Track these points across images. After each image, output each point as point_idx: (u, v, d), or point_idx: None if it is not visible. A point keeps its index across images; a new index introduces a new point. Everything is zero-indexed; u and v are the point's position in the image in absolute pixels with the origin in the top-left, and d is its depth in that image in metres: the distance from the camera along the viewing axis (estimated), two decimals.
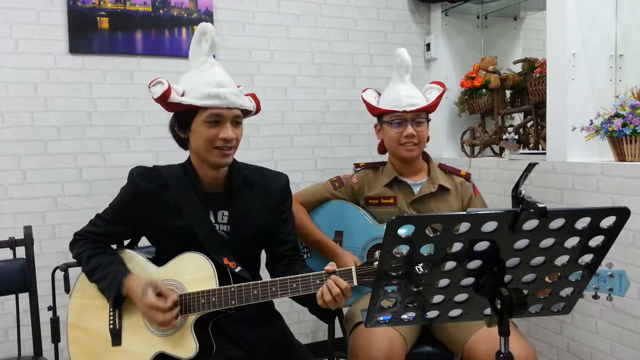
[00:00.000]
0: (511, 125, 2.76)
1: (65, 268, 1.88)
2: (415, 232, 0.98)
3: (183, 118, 1.54)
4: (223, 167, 1.59)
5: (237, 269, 1.54)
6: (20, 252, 1.90)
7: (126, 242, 1.72)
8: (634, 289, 1.97)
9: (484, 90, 2.88)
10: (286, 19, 2.91)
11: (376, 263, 1.42)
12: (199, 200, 1.58)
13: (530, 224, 1.00)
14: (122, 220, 1.62)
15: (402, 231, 0.97)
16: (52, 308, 1.91)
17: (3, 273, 1.86)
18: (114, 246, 1.67)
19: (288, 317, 1.89)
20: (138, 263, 1.61)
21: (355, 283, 1.45)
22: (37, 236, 2.24)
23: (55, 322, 1.90)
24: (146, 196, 1.58)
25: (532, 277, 1.10)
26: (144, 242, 1.71)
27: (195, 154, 1.58)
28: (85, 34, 2.53)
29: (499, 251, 1.04)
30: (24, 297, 1.89)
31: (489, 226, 1.00)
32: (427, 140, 2.01)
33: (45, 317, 1.92)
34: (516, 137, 2.65)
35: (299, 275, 1.47)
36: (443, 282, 1.08)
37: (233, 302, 1.47)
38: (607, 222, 1.04)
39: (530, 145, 2.69)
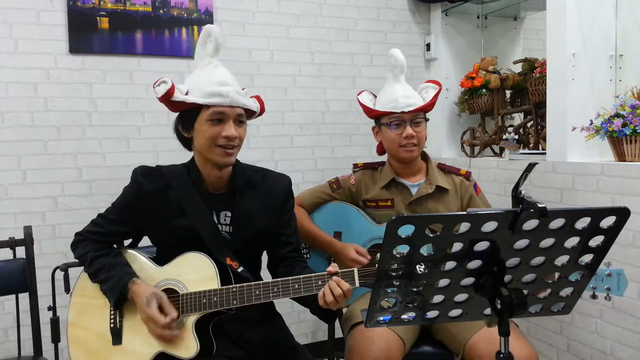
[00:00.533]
0: (511, 125, 2.76)
1: (65, 268, 1.88)
2: (415, 232, 0.98)
3: (187, 117, 1.54)
4: (226, 167, 1.59)
5: (240, 269, 1.54)
6: (20, 252, 1.90)
7: (127, 242, 1.72)
8: (634, 289, 1.97)
9: (484, 90, 2.88)
10: (286, 19, 2.91)
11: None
12: (202, 200, 1.58)
13: (530, 224, 1.00)
14: (124, 220, 1.62)
15: (402, 231, 0.97)
16: (52, 308, 1.91)
17: (3, 273, 1.86)
18: (115, 246, 1.67)
19: (288, 317, 1.89)
20: (140, 263, 1.61)
21: (357, 284, 1.45)
22: (37, 236, 2.24)
23: (55, 322, 1.90)
24: (149, 196, 1.58)
25: (532, 277, 1.10)
26: (144, 242, 1.71)
27: (199, 153, 1.58)
28: (85, 34, 2.53)
29: (499, 251, 1.04)
30: (24, 297, 1.89)
31: (489, 226, 1.00)
32: (425, 140, 2.00)
33: (45, 317, 1.92)
34: (516, 137, 2.65)
35: (300, 276, 1.47)
36: (443, 282, 1.08)
37: (235, 302, 1.47)
38: (607, 222, 1.04)
39: (530, 145, 2.69)
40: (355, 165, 2.09)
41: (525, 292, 1.09)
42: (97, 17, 2.54)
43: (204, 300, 1.48)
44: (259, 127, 2.85)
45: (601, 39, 2.27)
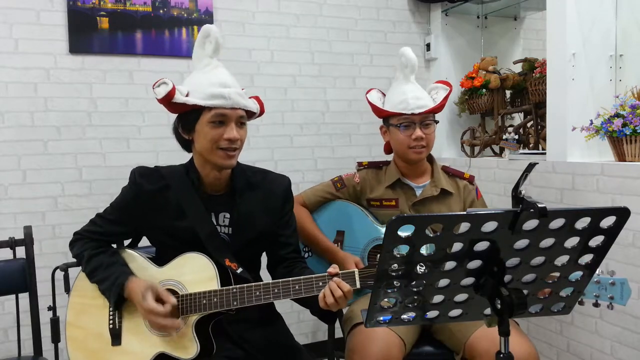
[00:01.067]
0: (511, 125, 2.76)
1: (65, 268, 1.88)
2: (415, 232, 0.98)
3: (187, 119, 1.53)
4: (227, 169, 1.59)
5: (239, 270, 1.54)
6: (20, 252, 1.90)
7: (127, 242, 1.72)
8: (634, 289, 1.96)
9: (484, 90, 2.88)
10: (286, 19, 2.91)
11: None
12: (201, 201, 1.58)
13: (530, 224, 1.00)
14: (123, 220, 1.62)
15: (402, 231, 0.97)
16: (52, 308, 1.91)
17: (3, 273, 1.86)
18: (114, 246, 1.67)
19: (288, 317, 1.89)
20: (139, 263, 1.60)
21: (358, 286, 1.45)
22: (37, 236, 2.24)
23: (55, 322, 1.90)
24: (148, 196, 1.58)
25: (532, 277, 1.10)
26: (143, 242, 1.71)
27: (199, 155, 1.57)
28: (85, 34, 2.53)
29: (499, 251, 1.04)
30: (24, 297, 1.89)
31: (489, 226, 1.00)
32: (434, 141, 1.99)
33: (45, 317, 1.92)
34: (516, 137, 2.65)
35: (301, 277, 1.47)
36: (443, 282, 1.08)
37: (235, 303, 1.47)
38: (607, 222, 1.04)
39: (530, 145, 2.69)
40: (359, 164, 2.08)
41: (525, 292, 1.09)
42: (97, 17, 2.54)
43: (204, 301, 1.48)
44: (259, 127, 2.85)
45: (601, 39, 2.27)
